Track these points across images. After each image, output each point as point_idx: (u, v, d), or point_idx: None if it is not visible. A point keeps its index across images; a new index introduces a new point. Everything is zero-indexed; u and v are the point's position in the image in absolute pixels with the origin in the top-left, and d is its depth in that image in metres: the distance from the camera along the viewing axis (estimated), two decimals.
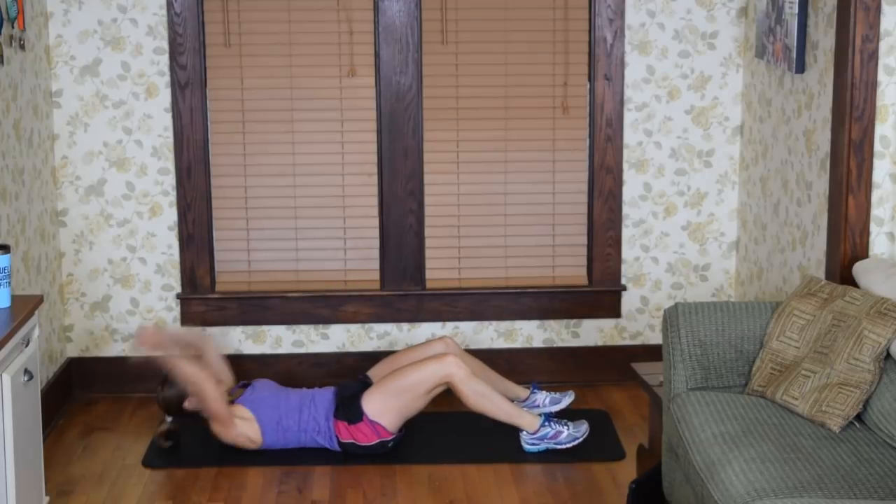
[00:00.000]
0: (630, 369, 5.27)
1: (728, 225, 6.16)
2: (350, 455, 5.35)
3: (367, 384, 5.46)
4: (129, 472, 5.31)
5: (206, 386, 5.26)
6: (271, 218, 6.08)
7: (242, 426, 5.33)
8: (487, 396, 5.36)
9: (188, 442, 5.55)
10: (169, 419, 5.45)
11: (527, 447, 5.40)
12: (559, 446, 5.38)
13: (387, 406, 5.31)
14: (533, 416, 5.40)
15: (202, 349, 5.55)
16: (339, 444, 5.34)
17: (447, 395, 5.54)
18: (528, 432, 5.38)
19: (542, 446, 5.38)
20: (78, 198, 5.99)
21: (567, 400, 5.65)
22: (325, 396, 5.41)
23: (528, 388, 5.70)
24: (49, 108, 5.87)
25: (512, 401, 5.51)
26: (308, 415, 5.36)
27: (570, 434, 5.38)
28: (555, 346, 6.21)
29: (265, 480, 5.22)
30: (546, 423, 5.39)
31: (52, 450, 5.47)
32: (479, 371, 5.51)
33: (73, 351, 6.11)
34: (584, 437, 5.40)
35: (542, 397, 5.64)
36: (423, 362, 5.34)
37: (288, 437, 5.36)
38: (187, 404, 5.37)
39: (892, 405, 4.15)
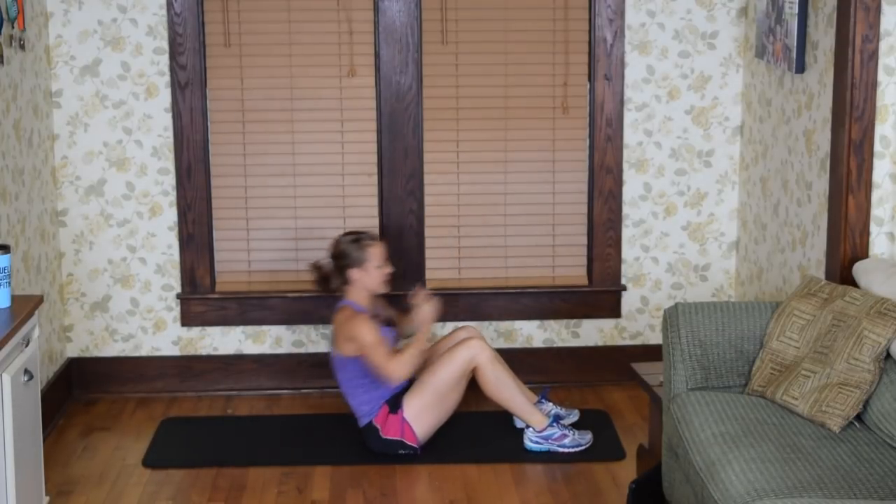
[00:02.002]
0: (630, 369, 5.27)
1: (728, 225, 6.16)
2: (361, 443, 5.39)
3: (409, 382, 5.48)
4: (129, 472, 5.31)
5: (378, 351, 5.33)
6: (271, 218, 6.08)
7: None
8: (507, 385, 5.40)
9: (188, 441, 5.56)
10: (327, 260, 5.55)
11: (529, 444, 5.41)
12: (561, 449, 5.38)
13: (423, 404, 5.34)
14: (542, 415, 5.42)
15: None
16: (370, 422, 5.36)
17: None
18: (534, 429, 5.40)
19: (545, 447, 5.39)
20: (78, 198, 5.99)
21: (571, 418, 5.65)
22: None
23: (538, 395, 5.69)
24: (49, 108, 5.87)
25: None
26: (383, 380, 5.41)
27: (575, 440, 5.40)
28: (555, 346, 6.21)
29: (265, 480, 5.22)
30: (553, 424, 5.40)
31: (52, 450, 5.47)
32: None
33: (73, 351, 6.11)
34: (587, 446, 5.41)
35: (548, 408, 5.63)
36: (449, 352, 5.37)
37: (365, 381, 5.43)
38: (348, 278, 5.48)
39: (892, 405, 4.15)
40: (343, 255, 5.48)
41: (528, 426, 5.44)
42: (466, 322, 6.12)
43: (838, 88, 4.76)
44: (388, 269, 5.55)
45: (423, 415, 5.35)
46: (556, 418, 5.46)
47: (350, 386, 5.42)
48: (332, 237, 5.65)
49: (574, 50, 6.02)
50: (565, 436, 5.40)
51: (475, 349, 5.37)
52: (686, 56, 6.02)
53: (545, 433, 5.40)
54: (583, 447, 5.40)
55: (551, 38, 6.01)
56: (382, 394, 5.39)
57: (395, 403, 5.37)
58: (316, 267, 5.60)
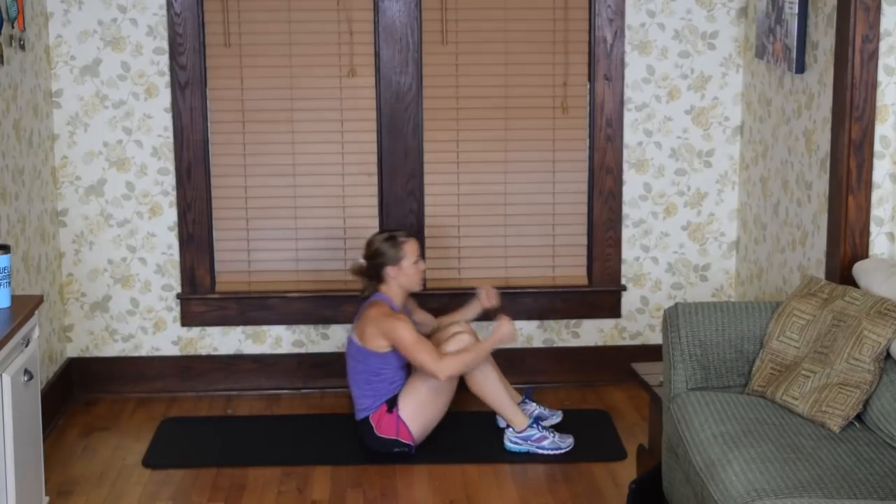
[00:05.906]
0: (630, 369, 5.27)
1: (728, 225, 6.16)
2: (358, 441, 5.38)
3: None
4: (129, 472, 5.31)
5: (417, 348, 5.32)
6: (271, 218, 6.08)
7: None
8: (492, 382, 5.42)
9: (188, 441, 5.56)
10: (363, 261, 5.50)
11: (509, 445, 5.41)
12: (541, 451, 5.38)
13: (418, 402, 5.34)
14: (524, 416, 5.42)
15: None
16: (367, 418, 5.36)
17: None
18: (514, 430, 5.40)
19: (525, 447, 5.39)
20: (78, 198, 5.99)
21: (554, 419, 5.64)
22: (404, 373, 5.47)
23: (521, 394, 5.69)
24: (49, 108, 5.87)
25: None
26: (395, 370, 5.41)
27: (554, 442, 5.39)
28: (555, 346, 6.21)
29: (265, 480, 5.22)
30: (534, 425, 5.39)
31: (52, 450, 5.47)
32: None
33: (73, 351, 6.11)
34: (567, 449, 5.40)
35: (531, 409, 5.62)
36: (441, 348, 5.34)
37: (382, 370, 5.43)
38: (388, 272, 5.45)
39: (892, 405, 4.15)
40: (378, 254, 5.45)
41: (508, 426, 5.43)
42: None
43: (838, 88, 4.76)
44: (423, 266, 5.53)
45: (418, 413, 5.34)
46: (538, 420, 5.45)
47: (360, 379, 5.40)
48: (367, 237, 5.61)
49: (574, 50, 6.02)
50: (545, 437, 5.39)
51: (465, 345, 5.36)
52: (686, 56, 6.02)
53: (524, 434, 5.39)
54: (563, 450, 5.39)
55: (551, 38, 6.01)
56: (386, 393, 5.39)
57: (393, 402, 5.37)
58: (357, 268, 5.55)
